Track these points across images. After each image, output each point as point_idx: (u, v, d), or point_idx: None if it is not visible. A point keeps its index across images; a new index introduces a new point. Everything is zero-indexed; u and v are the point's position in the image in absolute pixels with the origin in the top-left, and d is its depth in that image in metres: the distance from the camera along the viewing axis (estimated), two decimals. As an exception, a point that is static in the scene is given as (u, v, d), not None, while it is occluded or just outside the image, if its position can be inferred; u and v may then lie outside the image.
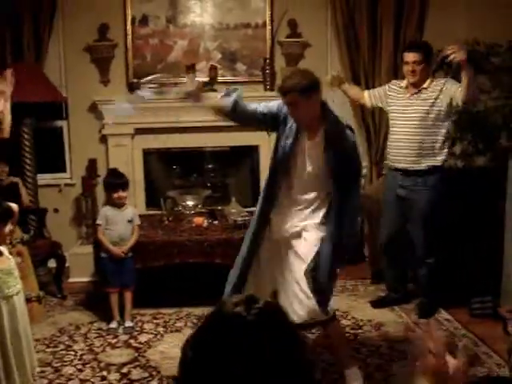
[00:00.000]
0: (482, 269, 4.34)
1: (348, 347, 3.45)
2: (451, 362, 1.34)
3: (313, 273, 3.07)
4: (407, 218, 4.21)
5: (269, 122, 3.24)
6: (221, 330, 1.22)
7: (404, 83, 4.19)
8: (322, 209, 3.16)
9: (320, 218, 3.16)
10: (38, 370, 3.35)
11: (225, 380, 1.17)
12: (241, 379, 1.16)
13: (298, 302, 3.04)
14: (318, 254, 3.09)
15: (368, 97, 4.38)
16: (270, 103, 3.24)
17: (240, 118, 3.28)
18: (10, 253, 3.96)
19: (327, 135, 3.04)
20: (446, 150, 4.13)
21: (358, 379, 3.18)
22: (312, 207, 3.17)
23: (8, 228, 2.70)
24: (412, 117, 4.08)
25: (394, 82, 4.38)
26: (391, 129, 4.28)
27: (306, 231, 3.16)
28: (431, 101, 4.02)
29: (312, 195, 3.17)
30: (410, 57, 4.06)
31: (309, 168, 3.12)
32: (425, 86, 4.08)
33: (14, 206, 2.75)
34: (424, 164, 4.04)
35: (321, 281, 3.08)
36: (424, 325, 1.80)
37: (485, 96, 5.31)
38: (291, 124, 3.13)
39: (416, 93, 4.08)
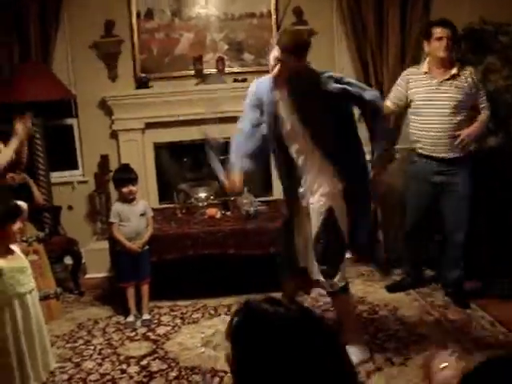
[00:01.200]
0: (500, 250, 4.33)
1: (354, 324, 3.44)
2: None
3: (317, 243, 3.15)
4: (444, 205, 4.09)
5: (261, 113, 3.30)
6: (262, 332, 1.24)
7: (424, 68, 4.08)
8: (326, 173, 3.18)
9: (325, 183, 3.18)
10: (57, 365, 3.40)
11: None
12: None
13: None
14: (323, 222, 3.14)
15: (392, 105, 4.21)
16: (247, 102, 3.35)
17: (263, 149, 3.34)
18: (27, 251, 4.05)
19: (290, 92, 3.06)
20: None
21: (356, 356, 3.17)
22: (314, 171, 3.21)
23: (17, 226, 2.72)
24: (444, 104, 3.95)
25: (409, 70, 4.25)
26: (415, 117, 4.11)
27: (312, 200, 3.22)
28: (465, 90, 3.97)
29: (309, 158, 3.20)
30: (444, 32, 3.93)
31: (287, 128, 3.16)
32: (454, 71, 3.98)
33: (23, 203, 2.77)
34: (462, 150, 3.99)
35: (319, 251, 3.16)
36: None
37: (495, 76, 5.27)
38: (269, 95, 3.18)
39: (447, 79, 3.97)
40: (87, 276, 4.94)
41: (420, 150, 4.11)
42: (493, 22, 5.13)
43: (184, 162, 5.62)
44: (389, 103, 4.19)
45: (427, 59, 4.10)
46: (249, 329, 1.25)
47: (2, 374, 2.60)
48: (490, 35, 5.18)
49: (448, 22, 4.05)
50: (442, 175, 4.03)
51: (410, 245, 4.38)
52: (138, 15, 5.22)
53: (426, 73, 4.04)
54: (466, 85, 3.97)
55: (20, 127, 3.61)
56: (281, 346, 1.20)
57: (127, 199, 4.11)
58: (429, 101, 3.99)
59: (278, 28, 5.26)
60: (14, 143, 3.61)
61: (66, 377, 3.35)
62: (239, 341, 1.27)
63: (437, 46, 3.95)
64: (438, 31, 3.96)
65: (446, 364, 1.80)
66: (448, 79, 3.96)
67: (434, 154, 4.02)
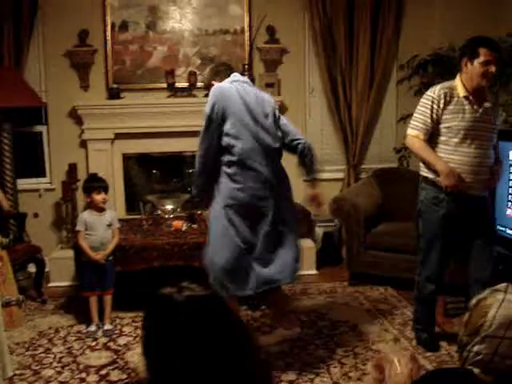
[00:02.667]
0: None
1: None
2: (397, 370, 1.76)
3: None
4: (475, 241, 3.56)
5: None
6: (164, 317, 1.32)
7: (461, 90, 3.41)
8: None
9: None
10: (17, 372, 3.40)
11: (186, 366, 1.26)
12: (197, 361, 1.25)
13: None
14: None
15: (424, 136, 3.45)
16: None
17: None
18: (-10, 257, 4.02)
19: None
20: None
21: None
22: None
23: None
24: (486, 136, 3.43)
25: (442, 90, 3.43)
26: (446, 147, 3.43)
27: None
28: (498, 121, 3.55)
29: None
30: (492, 55, 3.30)
31: None
32: (491, 99, 3.51)
33: None
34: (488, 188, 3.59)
35: None
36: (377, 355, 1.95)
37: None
38: None
39: (485, 107, 3.42)
40: (50, 284, 4.92)
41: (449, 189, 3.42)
42: (460, 48, 5.29)
43: (153, 173, 5.65)
44: (417, 133, 3.47)
45: (459, 79, 3.45)
46: (154, 312, 1.33)
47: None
48: (456, 61, 5.34)
49: (497, 44, 3.42)
50: (474, 210, 3.50)
51: (428, 298, 3.68)
52: (113, 26, 5.27)
53: (465, 97, 3.40)
54: (497, 116, 3.55)
55: None
56: (183, 328, 1.27)
57: (97, 207, 4.11)
58: (472, 130, 3.38)
59: (251, 45, 5.36)
60: None
61: (24, 384, 3.34)
62: (147, 324, 1.35)
63: (482, 71, 3.31)
64: (487, 53, 3.30)
65: (401, 370, 1.87)
66: (485, 107, 3.41)
67: (471, 192, 3.45)
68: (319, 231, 5.45)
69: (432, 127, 3.43)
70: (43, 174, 5.41)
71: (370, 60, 5.43)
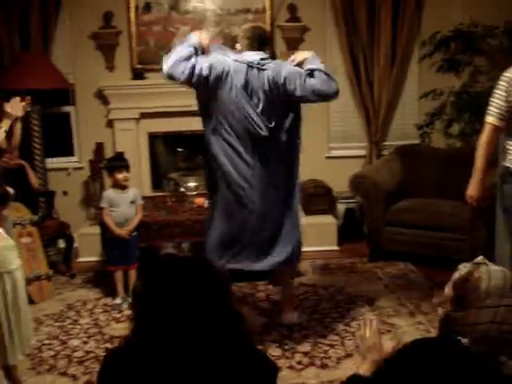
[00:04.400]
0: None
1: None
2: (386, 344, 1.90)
3: None
4: None
5: None
6: (155, 272, 1.54)
7: None
8: None
9: None
10: (46, 342, 3.59)
11: (169, 314, 1.46)
12: (179, 309, 1.46)
13: None
14: None
15: (499, 122, 3.23)
16: None
17: None
18: (21, 233, 4.22)
19: None
20: None
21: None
22: None
23: (6, 210, 2.88)
24: None
25: None
26: None
27: None
28: None
29: None
30: None
31: None
32: None
33: (10, 189, 2.92)
34: None
35: None
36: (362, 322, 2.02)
37: (483, 77, 5.42)
38: None
39: None
40: (79, 259, 5.10)
41: None
42: (482, 25, 5.26)
43: (177, 151, 5.77)
44: (491, 120, 3.26)
45: None
46: (148, 271, 1.55)
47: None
48: (479, 37, 5.32)
49: None
50: None
51: None
52: (137, 8, 5.36)
53: None
54: None
55: (9, 107, 3.64)
56: (172, 285, 1.47)
57: (120, 185, 4.26)
58: None
59: (273, 23, 5.41)
60: (4, 124, 3.63)
61: (52, 353, 3.51)
62: (141, 282, 1.55)
63: None
64: None
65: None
66: None
67: None
68: (341, 207, 5.52)
69: (508, 110, 3.17)
70: (72, 153, 5.58)
71: (392, 37, 5.41)
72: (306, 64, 3.35)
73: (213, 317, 1.46)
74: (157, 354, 1.46)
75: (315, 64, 3.33)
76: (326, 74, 3.30)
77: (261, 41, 3.45)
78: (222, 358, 1.48)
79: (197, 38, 3.44)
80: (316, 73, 3.29)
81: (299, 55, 3.44)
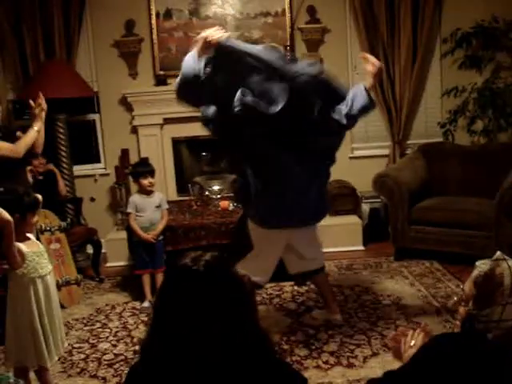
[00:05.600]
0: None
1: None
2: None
3: None
4: None
5: None
6: (175, 281, 1.48)
7: None
8: None
9: None
10: (76, 345, 3.67)
11: (184, 325, 1.40)
12: (197, 322, 1.39)
13: None
14: None
15: None
16: None
17: None
18: (50, 240, 4.31)
19: None
20: None
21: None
22: None
23: (36, 218, 2.96)
24: None
25: None
26: None
27: None
28: None
29: None
30: None
31: None
32: None
33: (40, 197, 3.00)
34: None
35: None
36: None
37: (505, 73, 5.38)
38: None
39: None
40: (107, 264, 5.19)
41: None
42: (504, 20, 5.23)
43: (202, 155, 5.81)
44: None
45: None
46: (170, 280, 1.50)
47: (30, 348, 2.84)
48: (500, 33, 5.29)
49: None
50: None
51: None
52: (158, 15, 5.44)
53: None
54: None
55: (36, 109, 3.67)
56: (191, 300, 1.42)
57: (146, 191, 4.33)
58: None
59: (292, 26, 5.44)
60: (36, 124, 3.67)
61: (82, 356, 3.58)
62: (164, 288, 1.50)
63: None
64: None
65: (414, 342, 1.97)
66: None
67: None
68: (365, 207, 5.52)
69: None
70: (98, 160, 5.67)
71: (413, 34, 5.40)
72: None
73: (233, 333, 1.41)
74: (174, 371, 1.43)
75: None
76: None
77: None
78: (243, 374, 1.43)
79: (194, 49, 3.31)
80: None
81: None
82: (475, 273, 1.75)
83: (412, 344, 1.99)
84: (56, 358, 3.01)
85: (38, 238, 3.70)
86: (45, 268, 2.88)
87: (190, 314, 1.39)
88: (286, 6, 5.44)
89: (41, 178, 4.70)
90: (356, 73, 5.64)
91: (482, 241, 4.50)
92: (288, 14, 5.45)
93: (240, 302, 1.45)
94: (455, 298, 3.07)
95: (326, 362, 3.32)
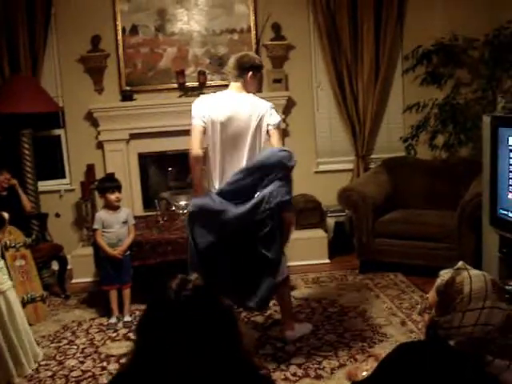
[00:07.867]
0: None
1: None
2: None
3: None
4: None
5: None
6: (157, 313, 1.44)
7: None
8: None
9: None
10: (42, 363, 3.62)
11: (168, 358, 1.37)
12: (182, 353, 1.36)
13: None
14: None
15: None
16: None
17: None
18: (15, 256, 4.26)
19: None
20: None
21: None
22: None
23: (1, 235, 2.95)
24: None
25: None
26: None
27: None
28: None
29: None
30: None
31: None
32: None
33: (6, 214, 2.99)
34: None
35: None
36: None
37: (465, 89, 5.54)
38: None
39: None
40: (73, 281, 5.14)
41: None
42: (463, 37, 5.39)
43: (168, 171, 5.83)
44: None
45: None
46: (152, 314, 1.46)
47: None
48: (460, 50, 5.45)
49: None
50: None
51: None
52: (124, 31, 5.46)
53: None
54: None
55: None
56: (165, 330, 1.38)
57: (113, 206, 4.31)
58: None
59: (258, 43, 5.51)
60: None
61: (49, 373, 3.54)
62: (147, 322, 1.46)
63: None
64: None
65: (367, 367, 2.03)
66: None
67: None
68: (331, 221, 5.59)
69: None
70: (63, 176, 5.64)
71: (375, 52, 5.53)
72: None
73: (222, 366, 1.38)
74: None
75: None
76: None
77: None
78: None
79: None
80: None
81: None
82: (438, 281, 1.82)
83: (367, 368, 2.05)
84: (29, 371, 2.97)
85: (2, 255, 3.68)
86: (5, 283, 2.86)
87: (175, 350, 1.36)
88: (252, 23, 5.52)
89: (5, 193, 4.67)
90: (320, 89, 5.75)
91: (445, 252, 4.59)
92: (253, 31, 5.53)
93: (229, 332, 1.42)
94: (421, 306, 3.16)
95: (294, 374, 3.35)
